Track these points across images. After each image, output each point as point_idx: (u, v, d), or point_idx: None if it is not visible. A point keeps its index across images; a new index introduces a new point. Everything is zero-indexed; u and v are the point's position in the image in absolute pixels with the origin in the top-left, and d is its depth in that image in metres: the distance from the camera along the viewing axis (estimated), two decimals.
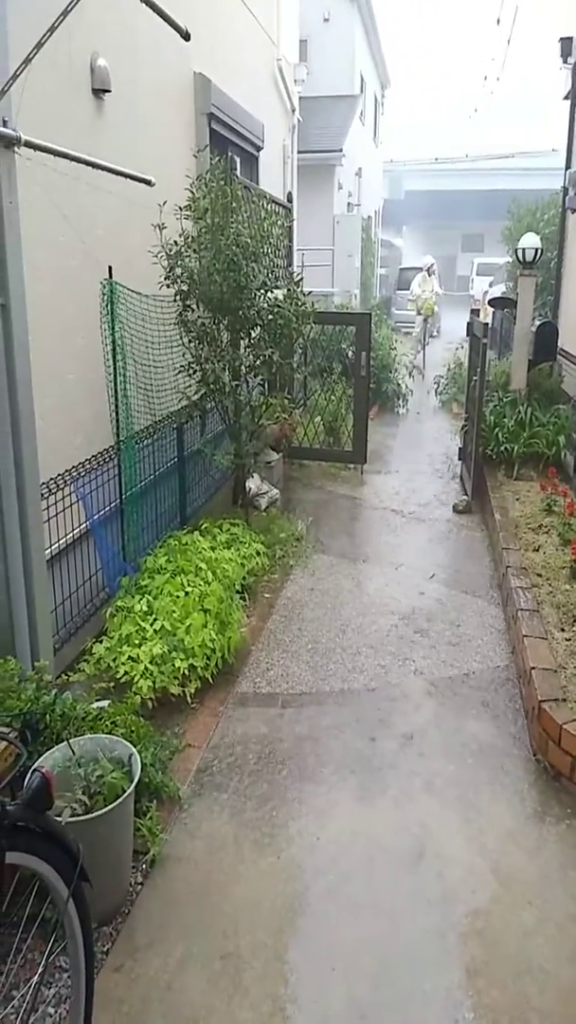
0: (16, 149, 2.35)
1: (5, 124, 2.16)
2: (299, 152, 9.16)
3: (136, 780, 2.23)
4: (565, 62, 9.03)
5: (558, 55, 9.21)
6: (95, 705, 2.53)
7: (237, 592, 3.83)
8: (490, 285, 15.44)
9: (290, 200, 8.15)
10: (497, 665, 3.59)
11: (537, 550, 4.42)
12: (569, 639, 3.39)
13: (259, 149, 7.10)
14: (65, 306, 3.25)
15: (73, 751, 2.22)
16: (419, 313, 13.46)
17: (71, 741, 2.23)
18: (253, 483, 5.24)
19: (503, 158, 24.12)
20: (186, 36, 3.20)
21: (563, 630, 3.48)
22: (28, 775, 1.50)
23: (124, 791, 2.17)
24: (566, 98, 9.11)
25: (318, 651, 3.71)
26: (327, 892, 2.30)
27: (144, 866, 2.35)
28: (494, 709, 3.25)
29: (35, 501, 2.51)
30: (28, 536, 2.46)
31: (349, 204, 14.24)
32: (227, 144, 6.14)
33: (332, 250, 12.20)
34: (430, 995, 1.98)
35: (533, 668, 3.12)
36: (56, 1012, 1.84)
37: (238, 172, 6.44)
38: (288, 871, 2.38)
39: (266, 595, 4.23)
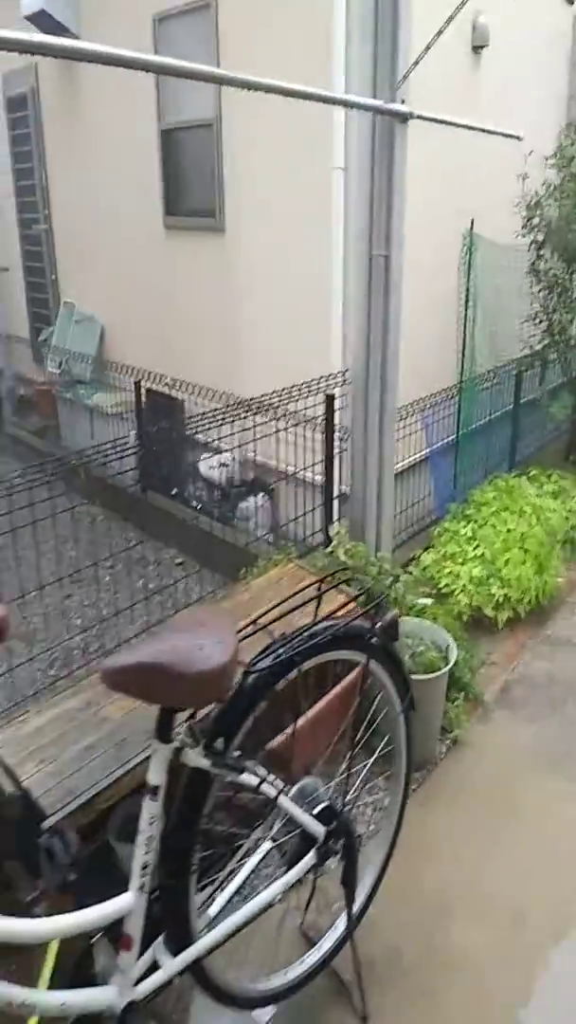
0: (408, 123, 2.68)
1: (403, 102, 2.50)
2: None
3: (452, 664, 2.55)
4: None
5: None
6: (420, 601, 2.91)
7: (559, 543, 3.86)
8: None
9: None
10: None
11: None
12: None
13: None
14: (426, 256, 3.57)
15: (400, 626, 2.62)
16: None
17: (401, 619, 2.63)
18: None
19: None
20: None
21: None
22: (382, 613, 1.90)
23: (441, 668, 2.52)
24: None
25: None
26: None
27: (448, 742, 2.67)
28: None
29: (391, 421, 2.93)
30: (384, 448, 2.91)
31: None
32: None
33: None
34: None
35: None
36: (372, 816, 2.30)
37: None
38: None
39: None
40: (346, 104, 2.60)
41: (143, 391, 4.78)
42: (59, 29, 5.19)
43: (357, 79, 2.49)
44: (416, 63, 2.31)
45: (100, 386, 5.53)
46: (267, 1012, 1.62)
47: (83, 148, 5.44)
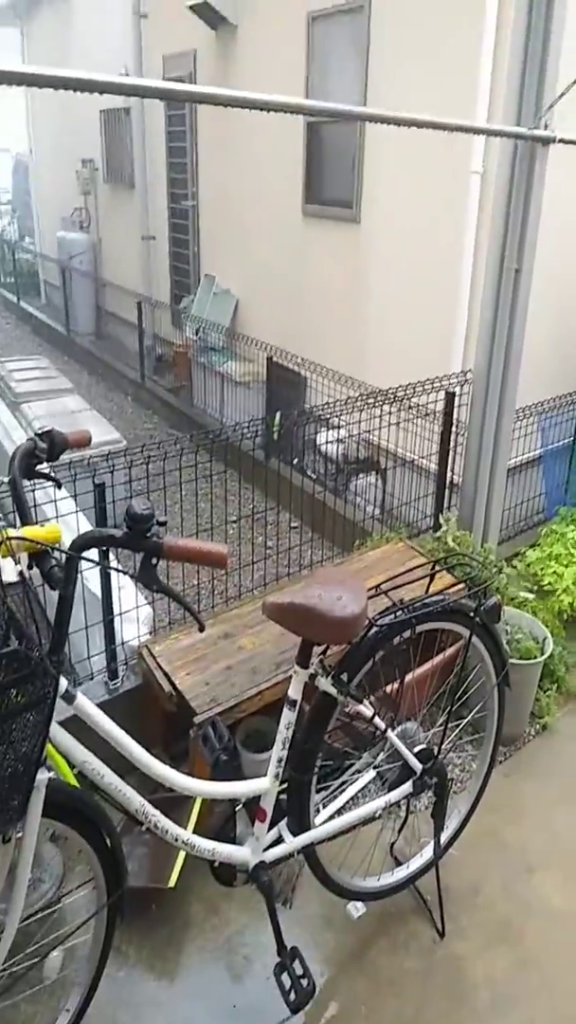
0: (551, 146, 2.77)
1: (546, 127, 2.61)
2: None
3: (547, 655, 2.73)
4: None
5: None
6: (523, 594, 3.09)
7: None
8: None
9: None
10: None
11: None
12: None
13: None
14: (556, 266, 3.63)
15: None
16: None
17: (503, 607, 2.82)
18: None
19: None
20: None
21: None
22: (487, 597, 2.09)
23: (536, 657, 2.71)
24: None
25: None
26: None
27: (537, 726, 2.86)
28: None
29: (508, 422, 3.10)
30: (498, 447, 3.08)
31: None
32: None
33: None
34: None
35: None
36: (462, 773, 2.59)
37: None
38: None
39: None
40: (491, 133, 2.76)
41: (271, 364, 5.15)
42: (218, 20, 5.53)
43: (503, 102, 2.64)
44: (563, 94, 2.44)
45: (231, 355, 5.94)
46: (359, 908, 1.96)
47: (233, 133, 5.80)
